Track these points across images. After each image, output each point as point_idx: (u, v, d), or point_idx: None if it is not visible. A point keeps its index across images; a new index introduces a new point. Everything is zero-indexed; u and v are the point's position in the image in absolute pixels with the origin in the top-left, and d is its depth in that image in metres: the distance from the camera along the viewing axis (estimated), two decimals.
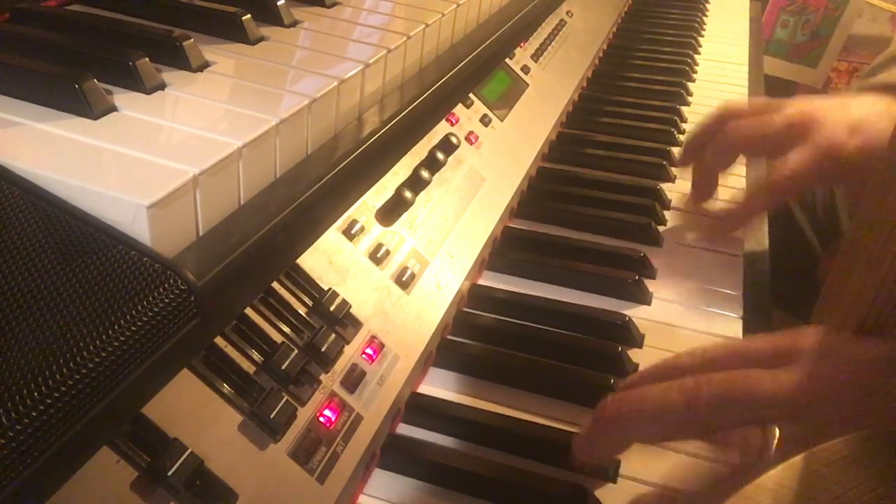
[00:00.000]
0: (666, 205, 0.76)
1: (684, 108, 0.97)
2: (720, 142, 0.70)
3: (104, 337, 0.30)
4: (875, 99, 0.69)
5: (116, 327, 0.30)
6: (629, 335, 0.57)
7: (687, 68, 1.10)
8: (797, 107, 0.69)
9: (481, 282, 0.63)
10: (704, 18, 1.34)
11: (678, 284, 0.65)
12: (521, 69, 0.82)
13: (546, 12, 0.93)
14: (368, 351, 0.47)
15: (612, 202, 0.74)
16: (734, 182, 0.79)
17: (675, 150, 0.86)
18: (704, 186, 0.74)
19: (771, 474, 0.35)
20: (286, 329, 0.43)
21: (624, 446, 0.43)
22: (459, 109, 0.68)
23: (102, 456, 0.31)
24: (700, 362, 0.42)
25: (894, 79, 0.74)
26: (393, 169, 0.56)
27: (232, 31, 0.51)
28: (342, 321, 0.46)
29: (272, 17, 0.55)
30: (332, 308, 0.45)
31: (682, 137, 0.90)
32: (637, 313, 0.60)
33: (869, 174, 0.59)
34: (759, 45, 1.27)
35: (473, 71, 0.67)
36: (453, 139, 0.64)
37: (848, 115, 0.66)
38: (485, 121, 0.71)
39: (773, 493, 0.34)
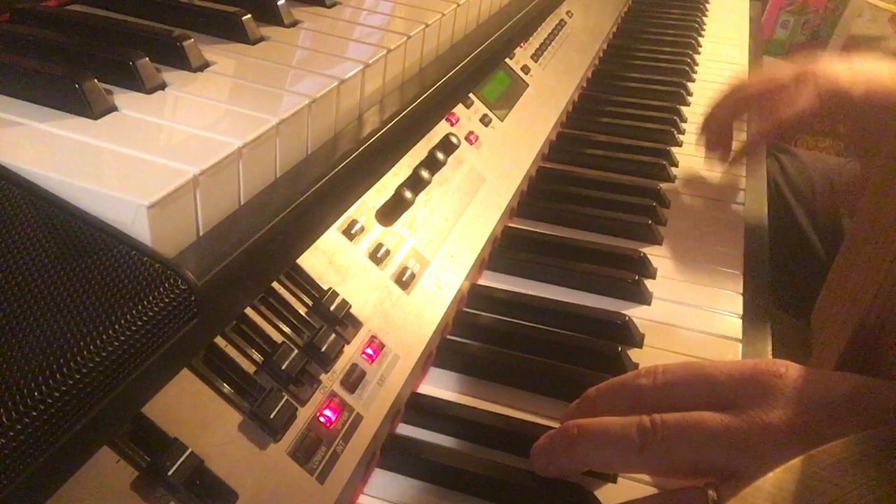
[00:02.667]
0: (666, 205, 0.76)
1: (684, 108, 0.97)
2: (730, 91, 0.77)
3: (104, 337, 0.30)
4: (879, 59, 0.73)
5: (116, 327, 0.30)
6: (629, 335, 0.57)
7: (687, 68, 1.10)
8: (803, 66, 0.74)
9: (481, 282, 0.63)
10: (704, 18, 1.34)
11: (678, 284, 0.65)
12: (521, 69, 0.82)
13: (546, 12, 0.93)
14: (368, 351, 0.47)
15: (612, 202, 0.74)
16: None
17: (675, 151, 0.86)
18: (719, 141, 0.79)
19: (769, 477, 0.35)
20: (286, 329, 0.43)
21: (579, 469, 0.45)
22: (459, 109, 0.68)
23: (102, 456, 0.31)
24: (661, 385, 0.44)
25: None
26: (393, 169, 0.56)
27: (232, 31, 0.51)
28: (342, 321, 0.46)
29: (272, 17, 0.55)
30: (332, 308, 0.45)
31: (682, 138, 0.90)
32: (637, 313, 0.60)
33: (871, 119, 0.63)
34: (759, 45, 1.27)
35: (473, 71, 0.67)
36: (453, 139, 0.64)
37: (852, 65, 0.71)
38: (485, 121, 0.71)
39: (772, 496, 0.35)
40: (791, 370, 0.41)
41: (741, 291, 0.64)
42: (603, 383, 0.47)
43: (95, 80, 0.39)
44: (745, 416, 0.39)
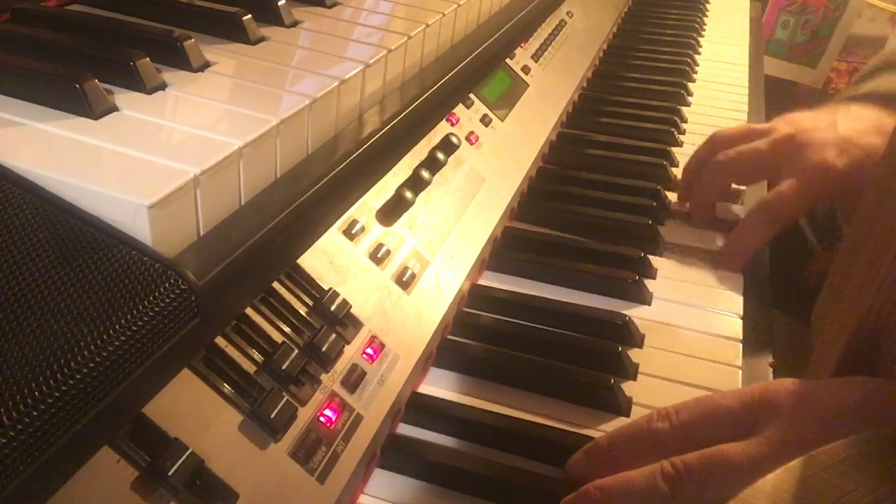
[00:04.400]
0: (666, 205, 0.76)
1: (684, 108, 0.97)
2: (711, 173, 0.72)
3: (104, 337, 0.30)
4: (861, 111, 0.70)
5: (117, 327, 0.30)
6: (629, 335, 0.57)
7: (687, 68, 1.10)
8: (784, 130, 0.69)
9: (481, 282, 0.63)
10: (704, 18, 1.34)
11: (678, 284, 0.65)
12: (522, 69, 0.82)
13: (546, 12, 0.93)
14: (369, 351, 0.47)
15: (612, 202, 0.74)
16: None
17: (675, 151, 0.86)
18: (701, 217, 0.74)
19: (769, 478, 0.35)
20: (286, 329, 0.43)
21: None
22: (460, 109, 0.68)
23: (102, 456, 0.31)
24: (679, 427, 0.43)
25: (882, 88, 0.74)
26: (393, 169, 0.56)
27: (232, 31, 0.51)
28: (342, 321, 0.46)
29: (273, 17, 0.55)
30: (332, 308, 0.45)
31: (682, 137, 0.90)
32: (637, 313, 0.60)
33: (859, 191, 0.59)
34: (759, 45, 1.27)
35: (474, 71, 0.67)
36: (453, 139, 0.64)
37: (835, 133, 0.66)
38: (485, 121, 0.71)
39: (772, 497, 0.34)
40: (800, 385, 0.41)
41: (741, 291, 0.64)
42: (614, 432, 0.45)
43: (96, 80, 0.39)
44: (764, 439, 0.39)
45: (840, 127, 0.67)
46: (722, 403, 0.43)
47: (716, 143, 0.74)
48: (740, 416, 0.41)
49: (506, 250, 0.67)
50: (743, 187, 0.78)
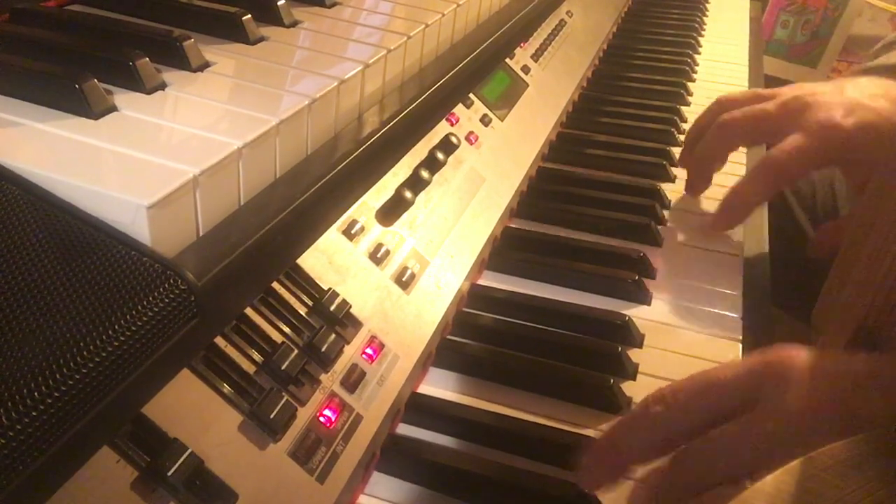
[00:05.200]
0: (666, 205, 0.76)
1: (684, 108, 0.97)
2: (715, 130, 0.70)
3: (104, 337, 0.30)
4: (870, 80, 0.69)
5: (116, 327, 0.30)
6: (629, 335, 0.57)
7: (687, 68, 1.10)
8: (791, 92, 0.68)
9: (481, 282, 0.63)
10: (704, 18, 1.34)
11: (678, 284, 0.65)
12: (521, 69, 0.82)
13: (546, 12, 0.93)
14: (368, 351, 0.47)
15: (612, 202, 0.74)
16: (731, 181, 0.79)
17: (676, 151, 0.85)
18: (699, 179, 0.73)
19: (769, 479, 0.35)
20: (286, 329, 0.43)
21: None
22: (459, 109, 0.68)
23: (102, 456, 0.31)
24: (675, 407, 0.41)
25: (893, 60, 0.73)
26: (393, 169, 0.56)
27: (232, 31, 0.51)
28: (342, 321, 0.46)
29: (272, 17, 0.55)
30: (332, 308, 0.45)
31: (682, 137, 0.90)
32: (637, 313, 0.60)
33: (866, 153, 0.59)
34: (759, 45, 1.27)
35: (473, 71, 0.67)
36: (453, 139, 0.64)
37: (842, 96, 0.65)
38: (485, 121, 0.71)
39: (772, 498, 0.34)
40: (803, 352, 0.39)
41: (741, 291, 0.64)
42: (611, 427, 0.44)
43: (95, 80, 0.39)
44: (767, 411, 0.37)
45: (848, 91, 0.66)
46: (717, 378, 0.41)
47: (721, 106, 0.72)
48: (738, 389, 0.40)
49: (505, 250, 0.67)
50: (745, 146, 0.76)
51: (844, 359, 0.39)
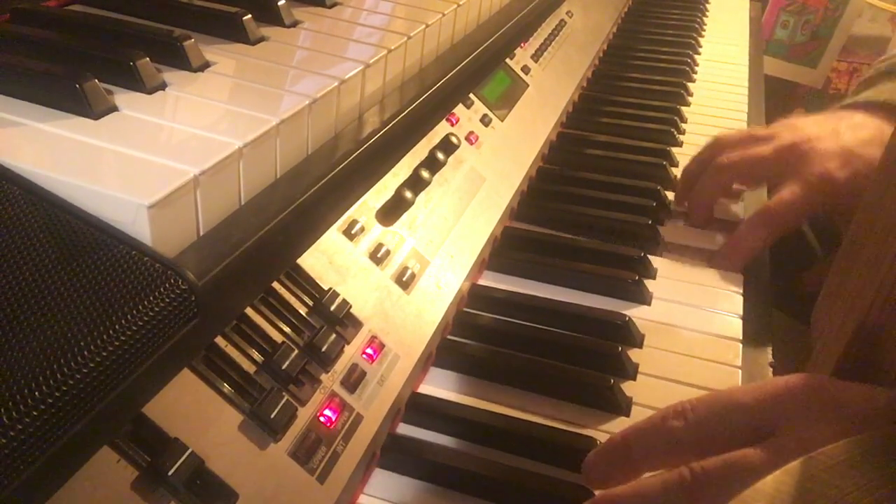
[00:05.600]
0: (666, 205, 0.76)
1: (684, 108, 0.97)
2: (712, 173, 0.72)
3: (104, 337, 0.30)
4: (864, 121, 0.70)
5: (117, 327, 0.30)
6: (629, 335, 0.57)
7: (687, 68, 1.10)
8: (787, 136, 0.70)
9: (481, 282, 0.63)
10: (704, 18, 1.34)
11: (678, 284, 0.65)
12: (522, 69, 0.82)
13: (546, 12, 0.93)
14: (368, 351, 0.47)
15: (612, 202, 0.74)
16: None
17: (675, 151, 0.86)
18: (699, 217, 0.74)
19: (769, 479, 0.35)
20: (286, 329, 0.43)
21: None
22: (459, 109, 0.68)
23: (102, 456, 0.31)
24: (694, 424, 0.41)
25: (883, 97, 0.74)
26: (393, 169, 0.56)
27: (232, 31, 0.51)
28: (342, 321, 0.46)
29: (273, 17, 0.55)
30: (332, 308, 0.45)
31: (682, 138, 0.90)
32: (637, 313, 0.60)
33: (858, 202, 0.59)
34: (759, 45, 1.27)
35: (474, 71, 0.67)
36: (453, 139, 0.64)
37: (837, 143, 0.67)
38: (485, 121, 0.71)
39: (772, 498, 0.34)
40: (826, 382, 0.39)
41: (741, 291, 0.64)
42: (627, 430, 0.43)
43: (96, 80, 0.39)
44: (788, 441, 0.37)
45: (843, 137, 0.68)
46: (740, 401, 0.41)
47: (718, 146, 0.74)
48: (761, 413, 0.40)
49: (506, 250, 0.67)
50: (743, 187, 0.78)
51: (869, 393, 0.38)
